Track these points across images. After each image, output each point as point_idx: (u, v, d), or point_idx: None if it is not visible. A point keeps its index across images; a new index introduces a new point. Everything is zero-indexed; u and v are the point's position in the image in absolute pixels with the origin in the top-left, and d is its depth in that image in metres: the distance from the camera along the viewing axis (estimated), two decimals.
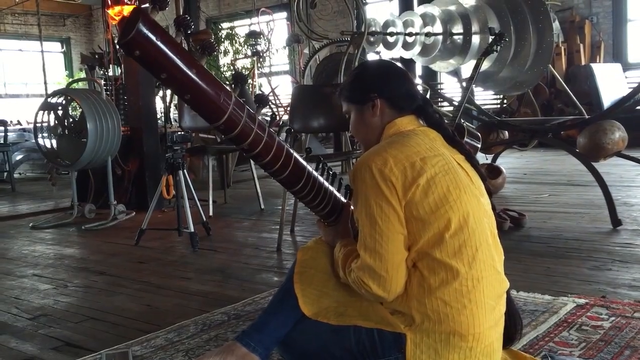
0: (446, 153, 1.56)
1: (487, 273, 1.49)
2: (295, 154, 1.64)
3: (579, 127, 4.00)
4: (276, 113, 9.40)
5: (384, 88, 1.64)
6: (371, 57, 8.07)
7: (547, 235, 3.41)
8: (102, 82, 5.43)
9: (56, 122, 4.85)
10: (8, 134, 8.13)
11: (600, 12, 9.01)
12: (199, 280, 2.99)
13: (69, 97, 4.85)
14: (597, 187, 3.67)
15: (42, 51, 9.95)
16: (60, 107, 4.86)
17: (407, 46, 5.71)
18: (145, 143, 5.20)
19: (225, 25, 13.24)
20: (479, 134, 3.81)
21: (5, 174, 7.84)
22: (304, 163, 1.67)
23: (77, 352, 2.13)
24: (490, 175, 4.52)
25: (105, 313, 2.55)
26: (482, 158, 5.33)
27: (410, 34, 5.58)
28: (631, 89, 3.70)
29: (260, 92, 7.76)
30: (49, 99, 4.91)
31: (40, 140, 4.94)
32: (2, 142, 7.81)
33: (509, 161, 6.81)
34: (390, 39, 5.78)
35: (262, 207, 4.95)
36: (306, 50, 9.61)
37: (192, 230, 3.63)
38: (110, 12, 4.83)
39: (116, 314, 2.53)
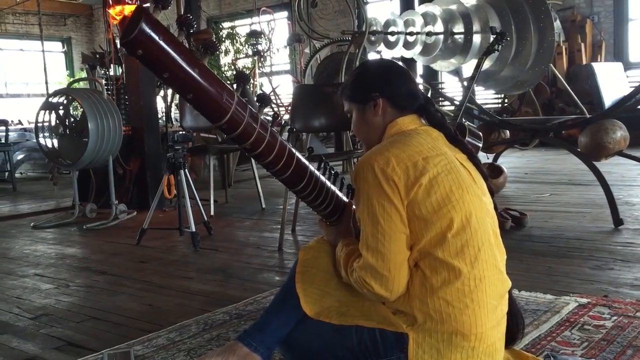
0: (448, 152, 1.56)
1: (490, 273, 1.49)
2: (297, 154, 1.64)
3: (580, 126, 3.99)
4: (277, 113, 9.40)
5: (386, 87, 1.63)
6: (372, 56, 8.08)
7: (548, 235, 3.40)
8: (103, 81, 5.43)
9: (57, 121, 4.86)
10: (9, 133, 8.14)
11: (601, 12, 9.00)
12: (200, 279, 2.99)
13: (70, 97, 4.85)
14: (599, 186, 3.67)
15: (43, 51, 9.95)
16: (61, 107, 4.86)
17: (408, 45, 5.71)
18: (147, 143, 5.21)
19: (226, 24, 13.24)
20: (481, 134, 3.81)
21: (7, 173, 7.84)
22: (306, 162, 1.67)
23: (79, 351, 2.13)
24: (491, 174, 4.51)
25: (106, 313, 2.55)
26: (484, 157, 5.32)
27: (411, 34, 5.58)
28: (632, 88, 3.70)
29: (262, 92, 7.76)
30: (50, 99, 4.91)
31: (42, 140, 4.94)
32: (3, 141, 7.82)
33: (510, 160, 6.81)
34: (391, 39, 5.78)
35: (264, 206, 4.95)
36: (307, 50, 9.61)
37: (194, 229, 3.63)
38: (112, 11, 4.82)
39: (118, 314, 2.53)
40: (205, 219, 4.01)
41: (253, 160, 5.04)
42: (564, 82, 6.94)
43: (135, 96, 5.26)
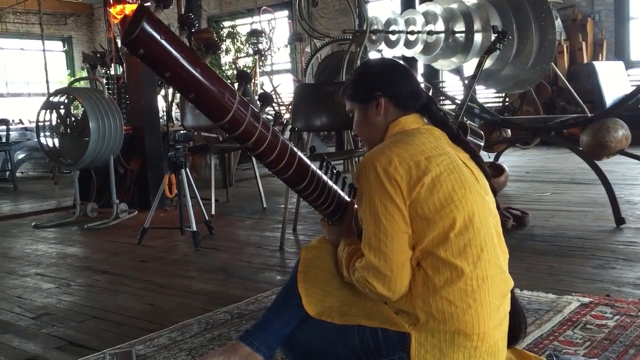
0: (451, 152, 1.55)
1: (492, 272, 1.49)
2: (299, 153, 1.63)
3: (582, 125, 3.99)
4: (279, 112, 9.40)
5: (388, 87, 1.63)
6: (373, 55, 8.07)
7: (550, 234, 3.40)
8: (104, 80, 5.43)
9: (58, 121, 4.85)
10: (10, 133, 8.14)
11: (602, 10, 8.99)
12: (201, 279, 2.99)
13: (71, 96, 4.85)
14: (600, 185, 3.66)
15: (44, 50, 9.95)
16: (62, 106, 4.86)
17: (409, 44, 5.71)
18: (148, 142, 5.20)
19: (226, 23, 13.23)
20: (482, 133, 3.81)
21: (8, 173, 7.84)
22: (308, 162, 1.67)
23: (80, 351, 2.13)
24: (492, 173, 4.51)
25: (108, 312, 2.55)
26: (485, 156, 5.31)
27: (412, 32, 5.57)
28: (633, 87, 3.70)
29: (264, 91, 7.75)
30: (51, 98, 4.90)
31: (43, 139, 4.94)
32: (4, 141, 7.82)
33: (511, 159, 6.80)
34: (392, 37, 5.77)
35: (265, 205, 4.95)
36: (308, 49, 9.60)
37: (195, 229, 3.63)
38: (112, 10, 4.83)
39: (119, 313, 2.53)
40: (207, 218, 4.00)
41: (254, 159, 5.04)
42: (565, 80, 6.93)
43: (136, 95, 5.26)
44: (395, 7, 9.25)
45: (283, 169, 1.61)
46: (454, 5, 5.02)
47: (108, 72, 5.78)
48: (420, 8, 5.43)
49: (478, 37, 5.31)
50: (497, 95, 9.00)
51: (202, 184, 5.25)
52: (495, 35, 3.80)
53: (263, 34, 9.78)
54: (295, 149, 1.63)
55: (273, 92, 9.70)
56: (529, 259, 2.87)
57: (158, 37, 1.29)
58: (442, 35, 5.54)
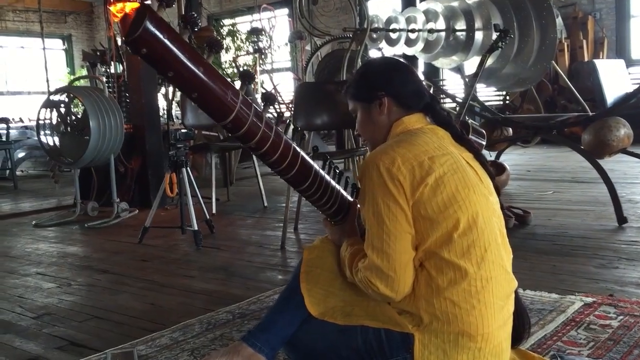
0: (455, 152, 1.54)
1: (496, 273, 1.48)
2: (302, 153, 1.62)
3: (584, 124, 3.98)
4: (279, 110, 9.38)
5: (391, 86, 1.62)
6: (373, 53, 8.06)
7: (552, 233, 3.39)
8: (104, 79, 5.41)
9: (59, 119, 4.84)
10: (10, 131, 8.12)
11: (603, 8, 8.97)
12: (202, 278, 2.98)
13: (71, 95, 4.83)
14: (602, 184, 3.65)
15: (43, 48, 9.93)
16: (62, 105, 4.85)
17: (409, 43, 5.69)
18: (148, 140, 5.19)
19: (226, 22, 13.21)
20: (484, 132, 3.80)
21: (8, 171, 7.83)
22: (311, 162, 1.66)
23: (82, 351, 2.12)
24: (494, 172, 4.49)
25: (109, 312, 2.54)
26: (486, 155, 5.30)
27: (413, 31, 5.56)
28: (635, 85, 3.69)
29: (267, 90, 7.74)
30: (51, 97, 4.89)
31: (43, 138, 4.92)
32: (4, 139, 7.80)
33: (512, 158, 6.79)
34: (393, 36, 5.76)
35: (265, 204, 4.94)
36: (308, 47, 9.59)
37: (196, 228, 3.62)
38: (112, 9, 4.80)
39: (120, 313, 2.52)
40: (208, 217, 3.99)
41: (255, 158, 5.03)
42: (565, 79, 6.92)
43: (137, 94, 5.25)
44: (396, 5, 9.23)
45: (286, 169, 1.60)
46: (455, 3, 5.01)
47: (108, 70, 5.76)
48: (421, 6, 5.42)
49: (479, 36, 5.30)
50: (497, 93, 8.99)
51: (203, 182, 5.24)
52: (497, 33, 3.78)
53: (263, 32, 9.75)
54: (298, 149, 1.62)
55: (273, 91, 9.68)
56: (532, 259, 2.86)
57: (161, 36, 1.28)
58: (443, 34, 5.53)
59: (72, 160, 4.77)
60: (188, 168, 3.82)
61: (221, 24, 12.90)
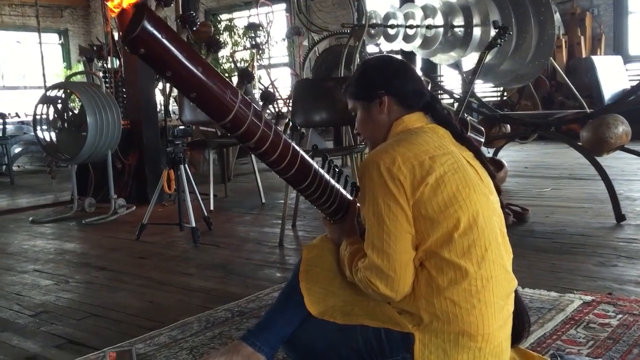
0: (455, 151, 1.54)
1: (497, 272, 1.48)
2: (301, 152, 1.62)
3: (582, 121, 3.97)
4: (277, 109, 9.36)
5: (392, 85, 1.61)
6: (370, 49, 8.04)
7: (550, 230, 3.39)
8: (101, 74, 5.39)
9: (56, 115, 4.82)
10: (6, 126, 8.09)
11: (601, 4, 8.96)
12: (201, 276, 2.97)
13: (68, 91, 4.81)
14: (599, 180, 3.65)
15: (40, 43, 9.88)
16: (59, 101, 4.83)
17: (408, 39, 5.68)
18: (145, 136, 5.18)
19: (224, 17, 13.16)
20: (483, 129, 3.79)
21: (4, 167, 7.81)
22: (310, 161, 1.65)
23: (80, 349, 2.11)
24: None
25: (107, 309, 2.54)
26: (485, 152, 5.30)
27: (411, 26, 5.55)
28: (631, 81, 3.70)
29: (266, 89, 7.71)
30: (48, 92, 4.87)
31: (40, 134, 4.90)
32: (0, 135, 7.77)
33: (509, 154, 6.79)
34: (391, 32, 5.75)
35: (263, 201, 4.93)
36: (305, 42, 9.56)
37: (194, 225, 3.61)
38: (110, 4, 4.77)
39: (118, 311, 2.51)
40: (205, 214, 3.98)
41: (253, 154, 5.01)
42: (563, 75, 6.91)
43: (134, 89, 5.23)
44: (394, 0, 9.21)
45: (285, 168, 1.59)
46: None
47: (105, 65, 5.74)
48: (419, 2, 5.41)
49: (477, 32, 5.29)
50: (495, 89, 8.98)
51: (201, 179, 5.23)
52: (496, 30, 3.77)
53: (261, 28, 9.72)
54: (298, 148, 1.61)
55: (270, 86, 9.66)
56: (530, 256, 2.85)
57: (159, 35, 1.26)
58: (441, 30, 5.52)
59: (70, 156, 4.75)
60: (186, 165, 3.80)
61: (218, 19, 12.85)
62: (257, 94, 8.57)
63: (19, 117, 10.59)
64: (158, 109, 5.88)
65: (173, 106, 7.09)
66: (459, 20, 5.42)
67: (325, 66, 7.47)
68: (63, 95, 4.83)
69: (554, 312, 2.13)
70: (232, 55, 10.62)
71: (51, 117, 4.82)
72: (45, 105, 4.82)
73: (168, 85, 6.03)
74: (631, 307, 2.15)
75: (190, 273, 3.03)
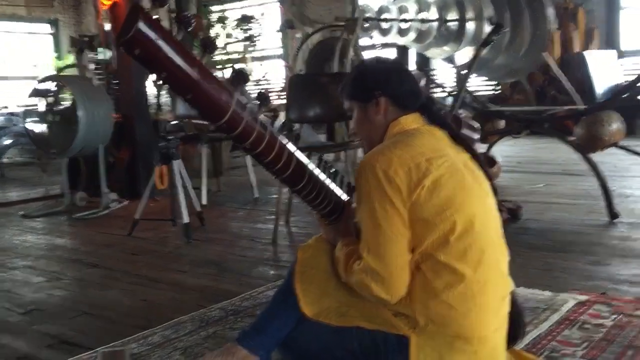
0: (451, 153, 1.53)
1: (493, 276, 1.48)
2: (297, 153, 1.60)
3: (576, 118, 3.97)
4: (264, 93, 9.30)
5: (388, 86, 1.61)
6: (363, 41, 8.00)
7: (544, 228, 3.39)
8: (93, 66, 5.34)
9: (47, 108, 4.77)
10: None
11: None
12: (194, 273, 2.96)
13: (59, 84, 4.76)
14: (592, 176, 3.65)
15: (30, 33, 9.80)
16: (50, 94, 4.77)
17: (401, 32, 5.66)
18: (138, 130, 5.12)
19: (216, 8, 13.06)
20: (478, 126, 3.78)
21: None
22: (306, 161, 1.64)
23: (72, 349, 2.09)
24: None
25: (99, 308, 2.52)
26: (479, 147, 5.29)
27: (405, 20, 5.52)
28: (624, 77, 3.69)
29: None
30: (39, 85, 4.82)
31: (30, 126, 4.84)
32: None
33: (502, 149, 6.77)
34: (385, 25, 5.72)
35: (256, 195, 4.90)
36: (299, 35, 9.51)
37: (187, 221, 3.58)
38: None
39: (111, 309, 2.49)
40: (198, 209, 3.95)
41: None
42: (556, 70, 6.90)
43: (126, 82, 5.17)
44: None
45: (281, 169, 1.58)
46: None
47: (96, 56, 5.69)
48: None
49: (471, 26, 5.28)
50: (488, 83, 8.98)
51: (193, 172, 5.19)
52: (491, 27, 3.75)
53: (253, 20, 9.67)
54: (294, 149, 1.60)
55: (263, 78, 9.61)
56: (524, 254, 2.85)
57: (154, 37, 1.25)
58: (435, 24, 5.50)
59: (60, 150, 4.70)
60: (179, 160, 3.77)
61: (210, 10, 12.75)
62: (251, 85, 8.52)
63: (7, 108, 10.50)
64: (151, 102, 5.83)
65: (166, 98, 7.03)
66: (452, 15, 5.41)
67: (317, 59, 7.44)
68: (55, 89, 4.77)
69: (548, 312, 2.13)
70: (224, 47, 10.56)
71: (42, 110, 4.77)
72: (36, 98, 4.77)
73: None
74: (625, 307, 2.15)
75: (183, 270, 3.01)
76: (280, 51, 11.95)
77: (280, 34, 10.98)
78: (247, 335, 1.70)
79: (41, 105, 4.77)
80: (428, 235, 1.44)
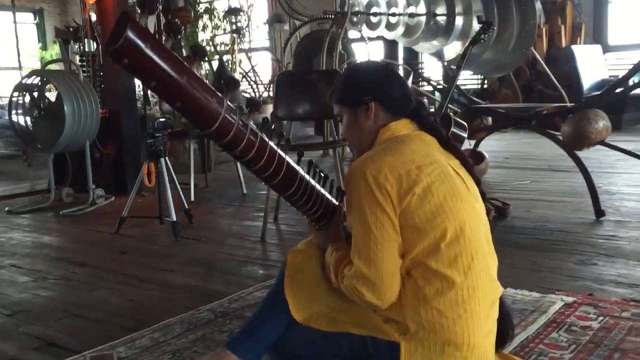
0: (442, 160, 1.53)
1: (483, 281, 1.48)
2: (287, 158, 1.59)
3: (563, 115, 3.99)
4: (255, 90, 9.29)
5: (379, 90, 1.59)
6: (352, 34, 7.98)
7: (531, 226, 3.40)
8: (78, 58, 5.28)
9: (32, 103, 4.71)
10: None
11: None
12: (182, 272, 2.94)
13: (44, 79, 4.71)
14: (579, 173, 3.68)
15: (15, 22, 9.65)
16: (35, 89, 4.72)
17: (390, 27, 5.65)
18: (124, 125, 5.08)
19: None
20: (465, 124, 3.79)
21: None
22: (297, 167, 1.63)
23: (59, 352, 2.08)
24: (473, 161, 4.50)
25: (86, 308, 2.50)
26: (465, 143, 5.29)
27: (393, 14, 5.52)
28: (610, 71, 3.71)
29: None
30: (24, 80, 4.76)
31: (15, 119, 4.78)
32: None
33: (489, 144, 6.79)
34: (374, 19, 5.71)
35: (245, 192, 4.88)
36: (287, 27, 9.47)
37: (175, 219, 3.56)
38: None
39: (98, 310, 2.48)
40: (186, 206, 3.93)
41: None
42: (543, 64, 6.94)
43: (113, 77, 5.12)
44: None
45: (271, 176, 1.57)
46: None
47: (82, 48, 5.63)
48: None
49: (459, 21, 5.29)
50: (475, 77, 9.00)
51: (181, 168, 5.17)
52: (480, 25, 3.76)
53: (241, 12, 9.60)
54: (284, 155, 1.59)
55: (251, 71, 9.57)
56: (512, 254, 2.87)
57: (143, 45, 1.23)
58: (424, 18, 5.50)
59: (46, 146, 4.65)
60: (166, 158, 3.74)
61: (197, 2, 12.65)
62: (237, 76, 8.46)
63: None
64: (137, 97, 5.79)
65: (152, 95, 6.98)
66: (441, 9, 5.41)
67: (305, 52, 7.41)
68: (39, 83, 4.72)
69: (536, 315, 2.14)
70: (212, 39, 10.49)
71: (27, 105, 4.71)
72: (20, 92, 4.71)
73: None
74: (612, 308, 2.17)
75: (171, 270, 2.99)
76: (268, 43, 11.91)
77: (267, 26, 10.93)
78: (237, 339, 1.70)
79: (26, 100, 4.71)
80: (418, 242, 1.44)
